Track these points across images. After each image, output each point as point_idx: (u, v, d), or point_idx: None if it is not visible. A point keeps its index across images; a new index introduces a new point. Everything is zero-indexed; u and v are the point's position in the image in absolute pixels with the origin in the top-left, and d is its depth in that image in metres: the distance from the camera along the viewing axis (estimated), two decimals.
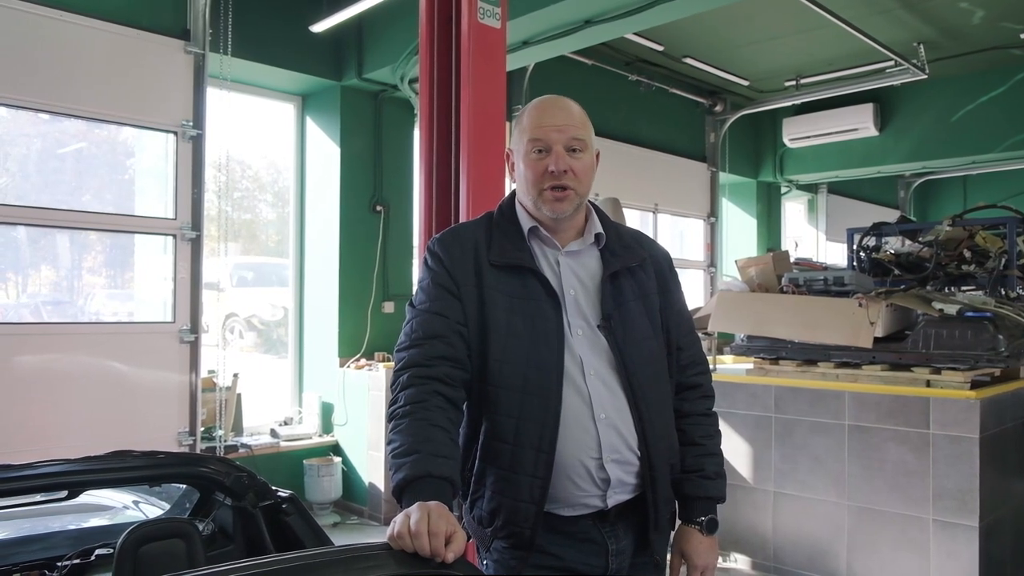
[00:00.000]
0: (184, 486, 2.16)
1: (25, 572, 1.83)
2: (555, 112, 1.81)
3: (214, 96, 5.45)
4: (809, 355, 4.66)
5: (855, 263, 5.67)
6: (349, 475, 6.10)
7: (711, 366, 5.51)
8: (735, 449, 4.81)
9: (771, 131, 10.18)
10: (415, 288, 1.87)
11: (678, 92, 8.87)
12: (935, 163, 9.86)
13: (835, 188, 11.43)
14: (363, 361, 6.14)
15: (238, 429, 5.91)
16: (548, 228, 1.83)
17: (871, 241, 5.69)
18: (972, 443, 3.92)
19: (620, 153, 8.22)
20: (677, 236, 9.85)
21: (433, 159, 3.29)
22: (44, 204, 4.96)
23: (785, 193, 10.89)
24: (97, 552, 1.91)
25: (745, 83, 8.99)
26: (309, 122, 6.57)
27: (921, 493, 4.09)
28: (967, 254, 5.27)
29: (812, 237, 11.48)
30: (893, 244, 5.71)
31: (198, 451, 5.16)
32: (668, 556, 1.92)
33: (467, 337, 1.73)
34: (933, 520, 4.05)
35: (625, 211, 7.58)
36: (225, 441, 5.54)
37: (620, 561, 1.79)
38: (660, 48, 7.75)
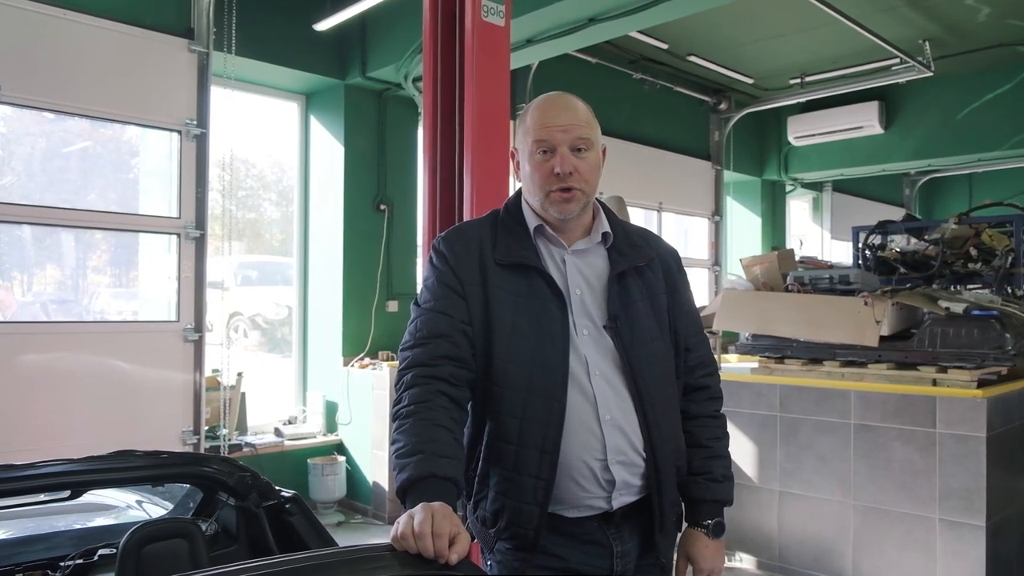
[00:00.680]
0: (187, 486, 2.16)
1: (28, 572, 1.83)
2: (559, 112, 1.79)
3: (218, 95, 5.45)
4: (814, 354, 4.64)
5: (861, 261, 5.65)
6: (353, 474, 6.09)
7: (717, 364, 5.47)
8: (740, 448, 4.79)
9: (776, 129, 10.14)
10: (420, 287, 1.85)
11: (682, 90, 8.84)
12: (940, 161, 9.82)
13: (840, 186, 11.39)
14: (367, 360, 6.13)
15: (242, 428, 5.91)
16: (554, 227, 1.81)
17: (877, 239, 5.67)
18: (979, 442, 3.90)
19: (624, 152, 8.20)
20: (682, 234, 9.83)
21: (437, 157, 3.27)
22: (49, 203, 4.96)
23: (790, 191, 10.86)
24: (100, 552, 1.90)
25: (750, 81, 8.96)
26: (313, 121, 6.57)
27: (927, 492, 4.07)
28: (973, 252, 5.24)
29: (817, 235, 11.44)
30: (899, 242, 5.68)
31: (202, 450, 5.16)
32: (674, 559, 1.90)
33: (471, 336, 1.72)
34: (939, 520, 4.03)
35: (629, 210, 7.56)
36: (229, 440, 5.54)
37: (625, 564, 1.77)
38: (664, 46, 7.72)
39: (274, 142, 7.23)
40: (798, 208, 11.56)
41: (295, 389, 6.60)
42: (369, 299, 6.25)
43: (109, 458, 1.86)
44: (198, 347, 5.27)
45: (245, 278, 9.96)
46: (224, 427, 5.55)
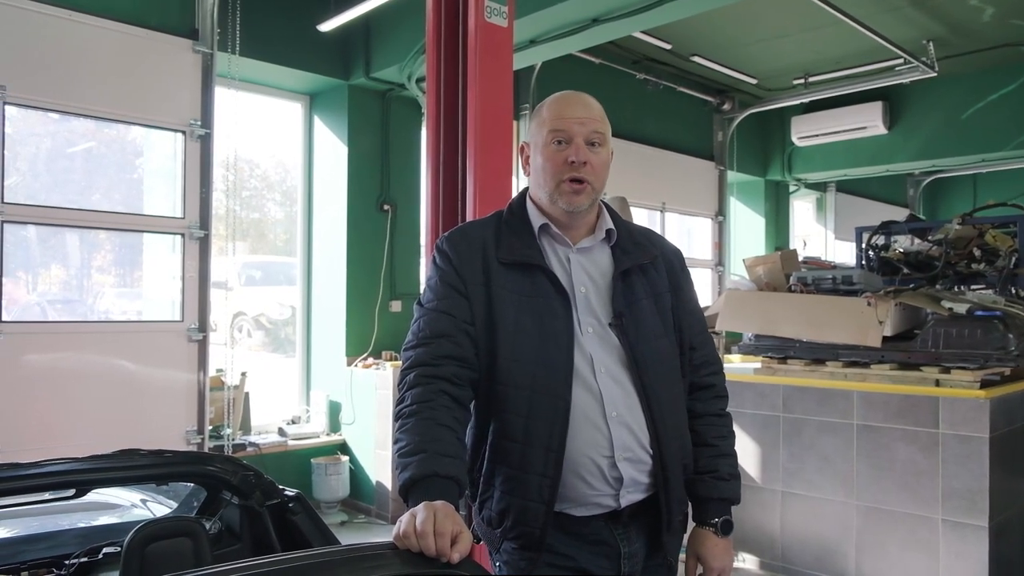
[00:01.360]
0: (191, 485, 2.17)
1: (33, 570, 1.84)
2: (577, 105, 1.81)
3: (222, 95, 5.46)
4: (817, 354, 4.64)
5: (864, 262, 5.64)
6: (356, 474, 6.11)
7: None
8: (743, 448, 4.75)
9: (779, 129, 10.14)
10: (423, 287, 1.86)
11: (686, 90, 8.84)
12: (945, 161, 9.81)
13: (844, 187, 11.39)
14: (370, 360, 6.14)
15: (246, 428, 5.93)
16: (560, 225, 1.81)
17: (880, 240, 5.66)
18: (982, 443, 3.90)
19: (628, 152, 8.20)
20: (685, 234, 9.83)
21: (440, 158, 3.28)
22: (53, 203, 4.98)
23: (793, 192, 10.85)
24: (104, 551, 1.92)
25: (753, 81, 8.96)
26: (317, 121, 6.58)
27: (930, 493, 4.07)
28: (977, 253, 5.23)
29: (820, 236, 11.44)
30: (902, 243, 5.68)
31: (206, 450, 5.17)
32: (681, 558, 1.90)
33: (474, 336, 1.73)
34: (942, 520, 4.03)
35: (633, 210, 7.56)
36: (233, 440, 5.56)
37: (632, 563, 1.77)
38: (668, 46, 7.73)
39: (278, 142, 7.24)
40: (802, 208, 11.55)
41: (299, 389, 6.62)
42: (372, 299, 6.26)
43: (113, 457, 1.87)
44: (202, 347, 5.29)
45: (249, 278, 9.98)
46: (228, 427, 5.56)
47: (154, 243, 5.56)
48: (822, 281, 4.84)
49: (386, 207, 6.40)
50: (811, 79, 8.84)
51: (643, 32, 6.98)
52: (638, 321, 1.77)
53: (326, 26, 5.78)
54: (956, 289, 5.22)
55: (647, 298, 1.81)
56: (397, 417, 1.63)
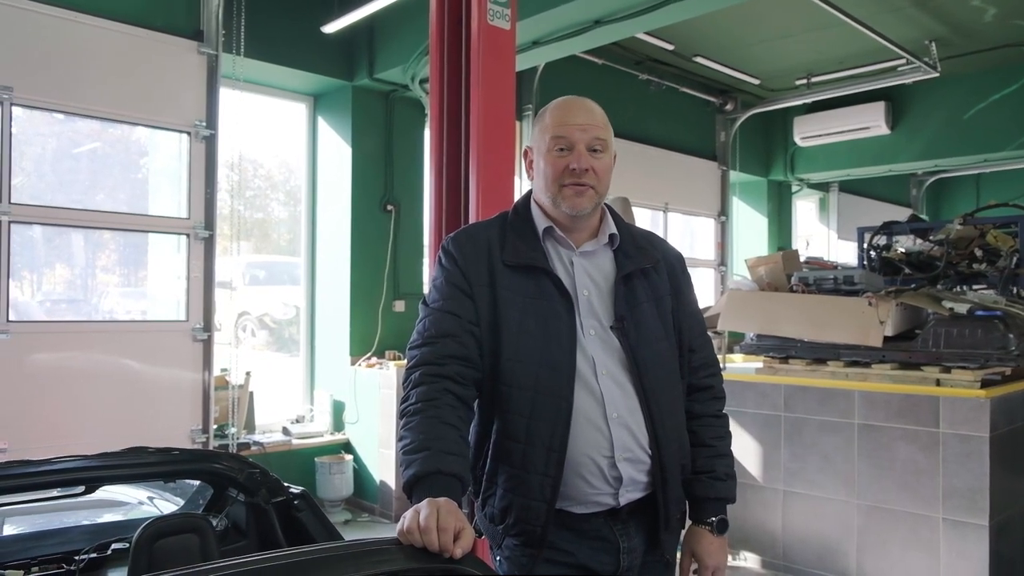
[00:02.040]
0: (198, 482, 2.20)
1: (43, 565, 1.87)
2: (579, 112, 1.83)
3: (226, 96, 5.49)
4: (819, 354, 4.67)
5: (866, 262, 5.66)
6: (360, 473, 6.14)
7: (722, 365, 5.50)
8: (744, 448, 4.81)
9: (782, 130, 10.16)
10: (428, 287, 1.89)
11: (688, 91, 8.86)
12: (947, 161, 9.82)
13: (847, 187, 11.39)
14: (374, 359, 6.17)
15: (250, 427, 5.96)
16: (563, 228, 1.84)
17: (882, 240, 5.68)
18: (982, 442, 3.92)
19: (630, 152, 8.21)
20: (689, 234, 9.86)
21: (443, 159, 3.31)
22: (59, 204, 5.02)
23: (796, 192, 10.87)
24: (113, 547, 1.95)
25: (756, 82, 8.97)
26: (321, 122, 6.62)
27: (931, 492, 4.09)
28: (978, 253, 5.25)
29: (823, 236, 11.45)
30: (904, 243, 5.70)
31: (211, 448, 5.20)
32: (679, 556, 1.93)
33: (479, 336, 1.75)
34: (943, 519, 4.05)
35: (635, 210, 7.58)
36: (237, 439, 5.59)
37: (631, 559, 1.80)
38: (670, 47, 7.75)
39: (282, 143, 7.28)
40: (805, 208, 11.56)
41: (303, 388, 6.65)
42: (376, 299, 6.29)
43: (122, 454, 1.90)
44: (207, 346, 5.32)
45: (253, 278, 10.03)
46: (232, 426, 5.60)
47: (159, 243, 5.59)
48: (823, 281, 4.86)
49: (390, 207, 6.43)
50: (814, 79, 8.85)
51: (646, 33, 7.00)
52: (639, 324, 1.79)
53: (330, 27, 5.81)
54: (957, 289, 5.24)
55: (648, 302, 1.83)
56: (402, 415, 1.66)
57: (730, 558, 4.87)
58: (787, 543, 4.68)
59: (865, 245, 5.66)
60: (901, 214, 10.47)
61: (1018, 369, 4.42)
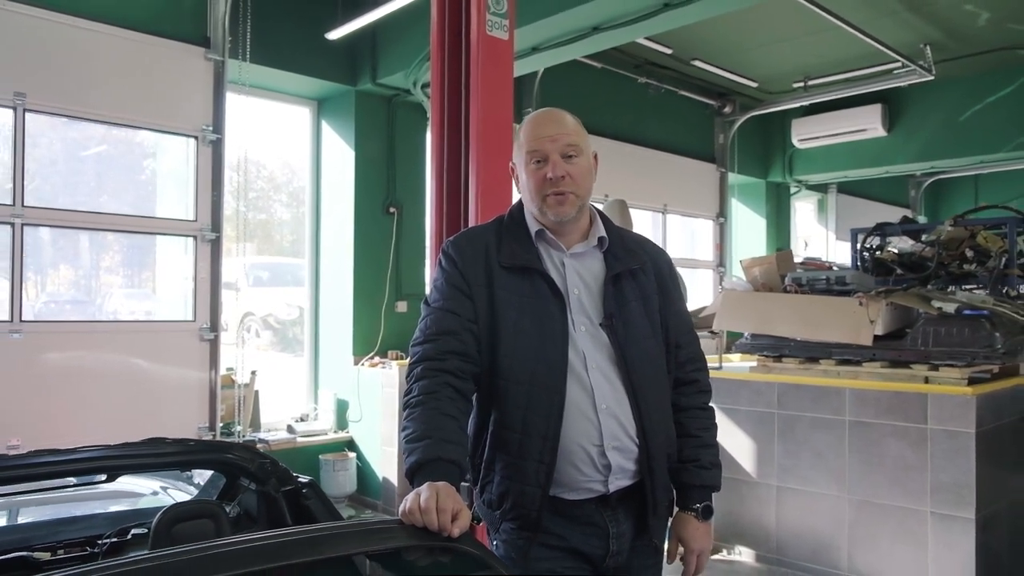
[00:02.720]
0: (210, 473, 2.31)
1: (69, 548, 1.99)
2: (548, 124, 1.94)
3: (232, 100, 5.61)
4: (811, 353, 4.78)
5: (859, 262, 5.77)
6: (363, 470, 6.26)
7: (718, 364, 5.57)
8: (739, 445, 4.93)
9: (780, 132, 10.27)
10: (430, 287, 2.00)
11: (687, 94, 8.98)
12: (944, 163, 9.93)
13: (845, 188, 11.50)
14: (377, 359, 6.29)
15: (256, 425, 6.08)
16: (554, 231, 1.95)
17: (874, 241, 5.79)
18: (968, 438, 4.03)
19: (630, 154, 8.34)
20: (689, 235, 9.96)
21: (444, 164, 3.43)
22: (70, 207, 5.14)
23: (795, 193, 10.97)
24: (133, 532, 2.07)
25: (754, 84, 9.08)
26: (325, 126, 6.74)
27: (919, 487, 4.20)
28: (969, 253, 5.36)
29: (822, 237, 11.55)
30: (897, 244, 5.81)
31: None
32: (666, 541, 2.04)
33: (477, 334, 1.87)
34: (931, 513, 4.16)
35: (635, 212, 7.69)
36: (243, 437, 5.71)
37: (620, 543, 1.91)
38: (669, 51, 7.86)
39: (287, 146, 7.40)
40: (803, 209, 11.66)
41: (307, 387, 6.77)
42: (379, 300, 6.41)
43: (142, 444, 2.01)
44: (214, 346, 5.45)
45: (256, 279, 10.16)
46: (239, 424, 5.72)
47: (167, 245, 5.72)
48: (816, 282, 4.97)
49: (392, 209, 6.55)
50: (811, 82, 8.96)
51: (644, 37, 7.11)
52: (627, 322, 1.91)
53: (334, 34, 5.93)
54: (948, 289, 5.35)
55: (636, 300, 1.94)
56: (405, 407, 1.77)
57: (725, 552, 5.00)
58: (781, 538, 4.78)
59: (859, 246, 5.76)
60: (899, 215, 10.57)
61: (1007, 367, 4.54)
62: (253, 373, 5.99)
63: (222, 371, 5.55)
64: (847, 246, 10.96)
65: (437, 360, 1.81)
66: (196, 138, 5.43)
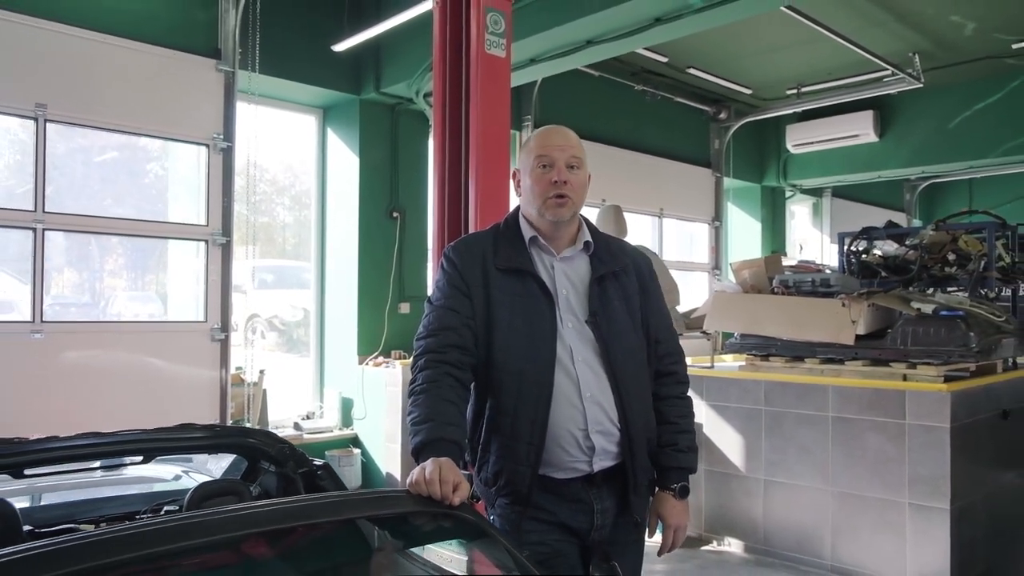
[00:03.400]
0: (233, 457, 2.53)
1: (110, 522, 2.21)
2: (557, 136, 2.18)
3: (241, 109, 5.84)
4: (797, 352, 4.99)
5: (846, 265, 5.99)
6: (368, 465, 6.47)
7: (710, 364, 5.78)
8: (728, 440, 5.14)
9: (775, 137, 10.48)
10: (432, 288, 2.22)
11: (683, 100, 9.19)
12: (934, 168, 10.17)
13: (840, 192, 11.70)
14: (381, 359, 6.50)
15: (264, 422, 6.29)
16: (546, 236, 2.17)
17: (861, 244, 6.00)
18: (944, 432, 4.24)
19: (627, 160, 8.56)
20: (687, 239, 10.17)
21: (445, 172, 3.65)
22: (88, 212, 5.36)
23: (790, 197, 11.18)
24: (166, 508, 2.28)
25: (748, 91, 9.30)
26: (330, 133, 6.96)
27: (898, 479, 4.40)
28: (951, 257, 5.57)
29: (817, 240, 11.76)
30: (882, 247, 6.02)
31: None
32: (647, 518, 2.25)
33: (475, 329, 2.09)
34: (909, 504, 4.37)
35: (632, 216, 7.92)
36: None
37: (604, 519, 2.12)
38: (664, 59, 8.08)
39: (289, 148, 7.62)
40: (799, 213, 11.88)
41: (313, 386, 6.99)
42: (383, 301, 6.63)
43: (175, 429, 2.23)
44: (224, 346, 5.67)
45: (261, 281, 10.37)
46: (248, 421, 5.93)
47: (179, 248, 5.94)
48: (802, 284, 5.19)
49: (395, 214, 6.77)
50: (804, 89, 9.19)
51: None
52: (610, 319, 2.12)
53: (340, 47, 6.15)
54: (930, 291, 5.56)
55: (619, 300, 2.16)
56: (410, 394, 1.99)
57: (715, 543, 5.21)
58: (768, 529, 4.99)
59: (845, 249, 5.97)
60: (894, 218, 10.78)
61: (983, 366, 4.75)
62: (261, 372, 6.20)
63: (232, 370, 5.77)
64: None
65: (439, 352, 2.03)
66: (207, 146, 5.66)
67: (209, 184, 5.66)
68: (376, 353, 6.54)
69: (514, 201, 2.37)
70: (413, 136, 6.90)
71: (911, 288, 5.42)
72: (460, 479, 1.73)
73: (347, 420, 6.69)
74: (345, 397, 6.71)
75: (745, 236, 10.64)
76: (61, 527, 2.06)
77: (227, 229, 5.68)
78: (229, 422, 5.66)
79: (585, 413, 2.05)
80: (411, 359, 2.10)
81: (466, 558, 1.95)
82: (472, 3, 3.38)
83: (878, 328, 4.78)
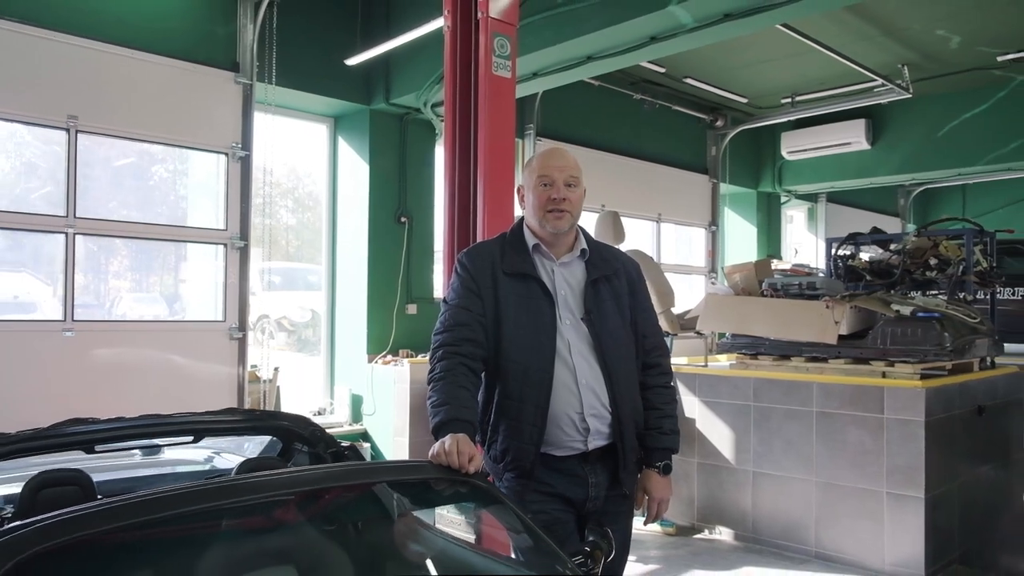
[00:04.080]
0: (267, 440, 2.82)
1: None
2: (557, 158, 2.49)
3: (258, 119, 6.14)
4: (784, 351, 5.29)
5: (833, 269, 6.29)
6: (377, 459, 6.75)
7: (704, 363, 6.09)
8: (720, 434, 5.44)
9: (770, 144, 10.80)
10: (448, 290, 2.52)
11: (680, 109, 9.51)
12: (924, 175, 10.48)
13: (834, 197, 12.01)
14: (389, 357, 6.80)
15: None
16: (547, 244, 2.48)
17: (847, 250, 6.30)
18: (919, 426, 4.53)
19: (626, 167, 8.88)
20: (685, 243, 10.48)
21: (455, 182, 3.96)
22: (115, 217, 5.67)
23: (785, 202, 11.49)
24: None
25: (743, 100, 9.61)
26: (341, 141, 7.27)
27: (876, 470, 4.70)
28: (933, 261, 5.87)
29: (812, 244, 12.06)
30: (868, 252, 6.32)
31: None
32: (635, 492, 2.55)
33: (485, 325, 2.39)
34: (887, 493, 4.66)
35: (631, 221, 8.24)
36: None
37: (597, 491, 2.42)
38: (662, 70, 8.39)
39: (303, 158, 7.93)
40: (798, 218, 12.20)
41: (324, 383, 7.29)
42: (391, 302, 6.93)
43: (221, 412, 2.52)
44: (241, 344, 5.98)
45: (269, 283, 10.65)
46: None
47: (198, 251, 6.25)
48: (789, 287, 5.48)
49: (403, 219, 7.08)
50: (798, 98, 9.49)
51: None
52: (602, 316, 2.43)
53: (352, 61, 6.46)
54: (913, 294, 5.86)
55: (610, 300, 2.47)
56: (430, 381, 2.30)
57: (707, 532, 5.50)
58: (756, 518, 5.29)
59: (832, 254, 6.27)
60: (889, 224, 11.11)
61: (960, 364, 5.05)
62: (276, 369, 6.51)
63: (248, 367, 6.07)
64: None
65: (454, 346, 2.33)
66: (226, 154, 5.97)
67: (228, 191, 5.97)
68: (385, 352, 6.84)
69: (518, 210, 2.68)
70: (421, 144, 7.21)
71: (892, 291, 5.71)
72: (474, 452, 2.03)
73: (357, 416, 6.99)
74: (355, 394, 7.01)
75: (741, 241, 10.94)
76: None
77: (245, 233, 5.99)
78: None
79: (581, 398, 2.35)
80: (429, 352, 2.40)
81: (479, 520, 2.25)
82: (480, 29, 3.70)
83: (860, 328, 5.08)
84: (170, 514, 1.53)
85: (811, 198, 11.87)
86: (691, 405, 5.60)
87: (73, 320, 5.21)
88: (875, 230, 6.51)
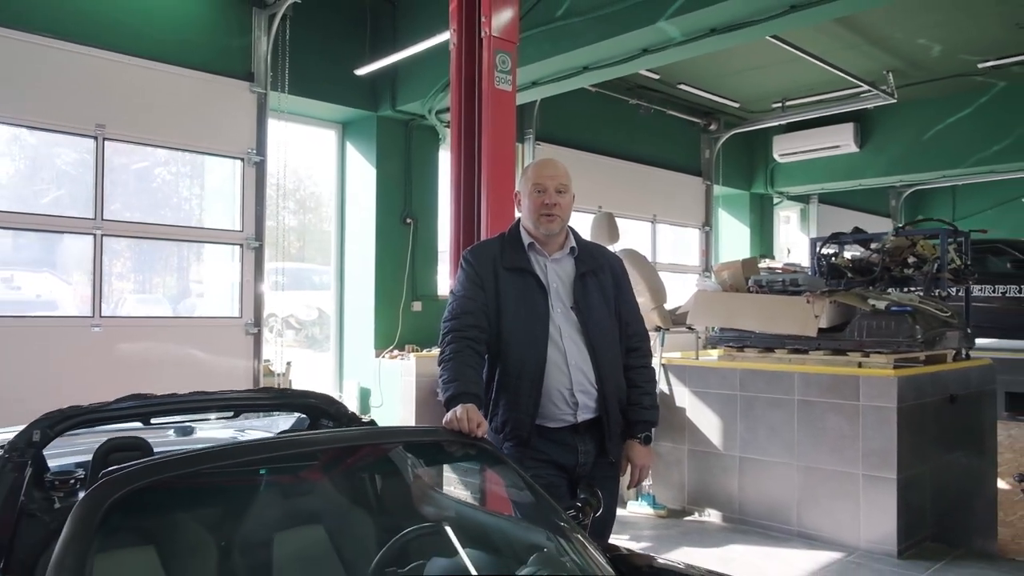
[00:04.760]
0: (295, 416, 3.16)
1: None
2: (549, 168, 2.84)
3: (272, 126, 6.49)
4: (768, 343, 5.61)
5: (817, 267, 6.63)
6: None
7: (696, 357, 6.42)
8: (708, 422, 5.77)
9: (762, 147, 11.14)
10: (455, 283, 2.87)
11: (675, 113, 9.85)
12: (911, 177, 10.84)
13: (826, 199, 12.35)
14: (396, 352, 7.14)
15: None
16: (541, 243, 2.82)
17: (831, 249, 6.64)
18: (891, 412, 4.86)
19: (622, 170, 9.23)
20: (680, 243, 10.81)
21: (460, 187, 4.31)
22: (140, 220, 6.02)
23: (777, 203, 11.83)
24: None
25: (735, 105, 9.96)
26: (349, 146, 7.62)
27: (853, 454, 5.02)
28: (911, 260, 6.21)
29: (804, 244, 12.38)
30: (850, 251, 6.66)
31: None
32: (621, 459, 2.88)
33: (488, 313, 2.73)
34: (862, 475, 4.98)
35: (627, 222, 8.58)
36: None
37: (586, 458, 2.76)
38: (657, 77, 8.74)
39: (311, 161, 8.27)
40: (792, 219, 12.54)
41: (333, 377, 7.63)
42: (397, 300, 7.28)
43: (257, 391, 2.86)
44: (257, 339, 6.33)
45: (276, 282, 10.98)
46: None
47: (215, 252, 6.60)
48: (774, 283, 5.81)
49: (408, 221, 7.43)
50: (788, 103, 9.85)
51: None
52: (590, 306, 2.77)
53: (362, 71, 6.81)
54: (891, 290, 6.19)
55: (596, 291, 2.81)
56: (440, 362, 2.64)
57: (697, 514, 5.83)
58: (743, 500, 5.61)
59: (816, 253, 6.61)
60: (880, 224, 11.45)
61: (933, 356, 5.38)
62: (288, 364, 6.85)
63: (262, 362, 6.42)
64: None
65: (462, 331, 2.67)
66: (242, 160, 6.32)
67: (244, 194, 6.32)
68: (391, 347, 7.18)
69: (518, 212, 3.03)
70: (425, 150, 7.56)
71: (872, 288, 6.04)
72: (482, 419, 2.38)
73: (365, 408, 7.32)
74: (363, 387, 7.35)
75: (734, 241, 11.28)
76: None
77: (260, 234, 6.34)
78: None
79: (571, 377, 2.69)
80: (440, 337, 2.74)
81: (485, 478, 2.59)
82: (484, 46, 4.05)
83: (838, 322, 5.41)
84: (231, 462, 1.87)
85: (803, 199, 12.22)
86: (682, 395, 5.94)
87: (101, 316, 5.56)
88: (856, 230, 6.84)
